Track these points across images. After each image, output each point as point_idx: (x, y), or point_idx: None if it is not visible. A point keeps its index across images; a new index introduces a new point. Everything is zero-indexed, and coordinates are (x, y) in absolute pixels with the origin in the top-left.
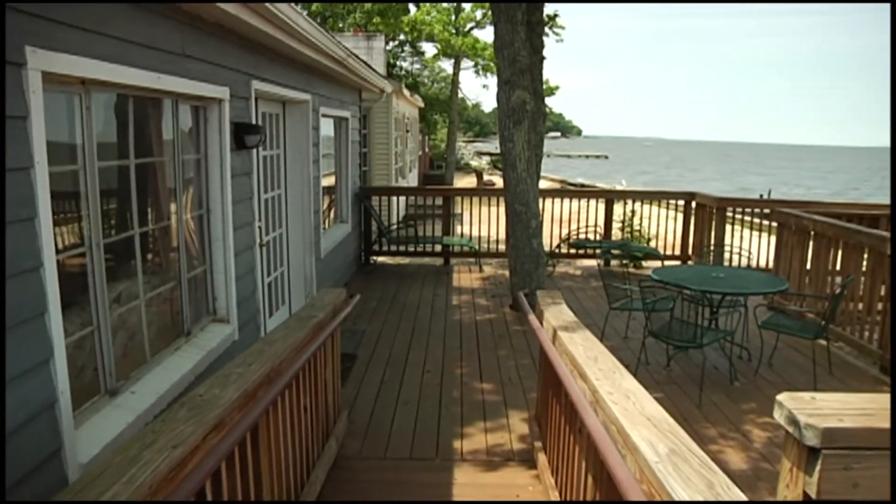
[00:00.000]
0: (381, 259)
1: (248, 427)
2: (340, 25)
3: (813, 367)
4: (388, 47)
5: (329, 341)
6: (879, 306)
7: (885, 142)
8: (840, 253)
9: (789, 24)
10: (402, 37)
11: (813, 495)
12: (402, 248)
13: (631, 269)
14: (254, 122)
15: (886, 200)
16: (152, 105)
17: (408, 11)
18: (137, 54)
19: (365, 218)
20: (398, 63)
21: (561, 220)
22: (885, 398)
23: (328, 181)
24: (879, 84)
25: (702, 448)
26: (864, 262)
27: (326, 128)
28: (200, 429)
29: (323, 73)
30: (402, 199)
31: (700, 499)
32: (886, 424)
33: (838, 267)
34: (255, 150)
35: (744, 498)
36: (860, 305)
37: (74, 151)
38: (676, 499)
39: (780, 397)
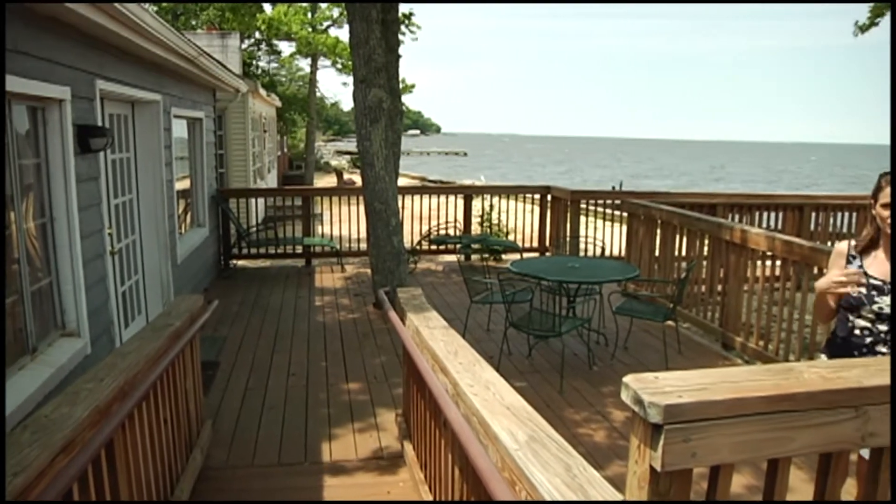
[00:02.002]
0: (241, 263)
1: (102, 445)
2: (193, 23)
3: (664, 347)
4: (244, 46)
5: (188, 350)
6: (719, 288)
7: (723, 136)
8: (685, 240)
9: (639, 25)
10: (258, 35)
11: (658, 468)
12: (262, 250)
13: (491, 263)
14: (100, 123)
15: (719, 189)
16: None
17: (262, 9)
18: None
19: (223, 221)
20: (255, 62)
21: (421, 217)
22: (718, 372)
23: (183, 184)
24: (713, 82)
25: (566, 431)
26: (706, 248)
27: (179, 129)
28: (47, 452)
29: (174, 72)
30: (262, 200)
31: (559, 481)
32: (719, 397)
33: (684, 253)
34: (102, 154)
35: (598, 476)
36: (703, 288)
37: None
38: (536, 483)
39: (626, 379)
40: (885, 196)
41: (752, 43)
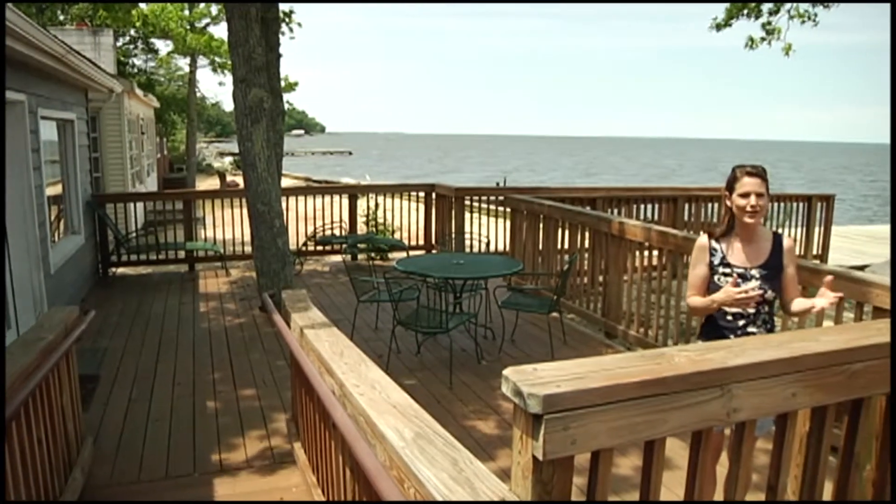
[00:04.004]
0: (121, 270)
1: None
2: (62, 17)
3: (550, 339)
4: (119, 43)
5: (63, 364)
6: (601, 279)
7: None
8: (567, 233)
9: (518, 25)
10: (133, 32)
11: (540, 457)
12: (143, 257)
13: (377, 262)
14: None
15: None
16: None
17: (136, 5)
18: None
19: (100, 227)
20: (131, 60)
21: (306, 218)
22: (594, 361)
23: (55, 190)
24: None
25: (456, 425)
26: (587, 240)
27: (49, 131)
28: None
29: (40, 70)
30: (141, 205)
31: (445, 476)
32: (595, 384)
33: (566, 246)
34: None
35: (484, 469)
36: (585, 279)
37: None
38: (423, 479)
39: (506, 372)
40: (741, 186)
41: (630, 42)
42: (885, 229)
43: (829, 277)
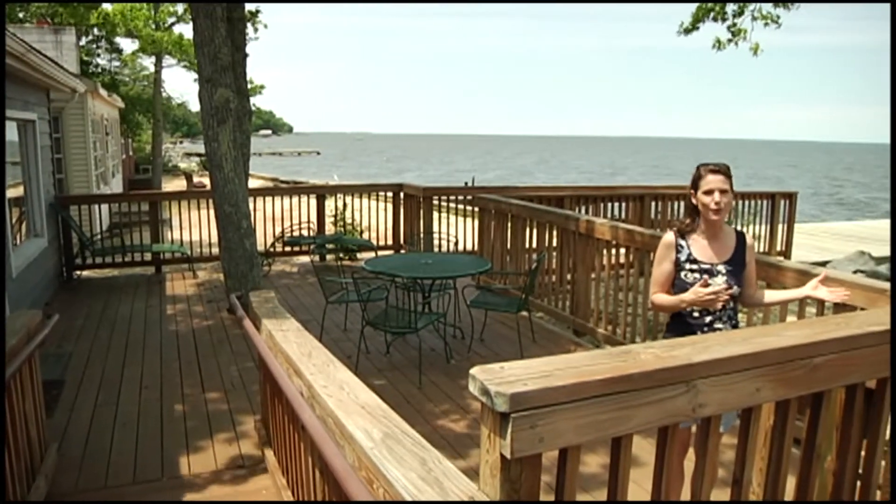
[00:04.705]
0: (86, 273)
1: None
2: (21, 15)
3: (518, 337)
4: (82, 42)
5: (26, 369)
6: (569, 277)
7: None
8: (535, 232)
9: (479, 25)
10: (96, 31)
11: (508, 456)
12: (108, 259)
13: (346, 262)
14: None
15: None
16: None
17: (100, 4)
18: None
19: (64, 230)
20: (94, 60)
21: (274, 219)
22: (561, 359)
23: (16, 192)
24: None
25: (426, 425)
26: (555, 239)
27: (9, 132)
28: None
29: None
30: (106, 207)
31: (414, 475)
32: (561, 382)
33: (534, 245)
34: None
35: (453, 468)
36: (553, 278)
37: None
38: (392, 479)
39: (473, 371)
40: (706, 184)
41: (592, 43)
42: (848, 226)
43: (824, 273)
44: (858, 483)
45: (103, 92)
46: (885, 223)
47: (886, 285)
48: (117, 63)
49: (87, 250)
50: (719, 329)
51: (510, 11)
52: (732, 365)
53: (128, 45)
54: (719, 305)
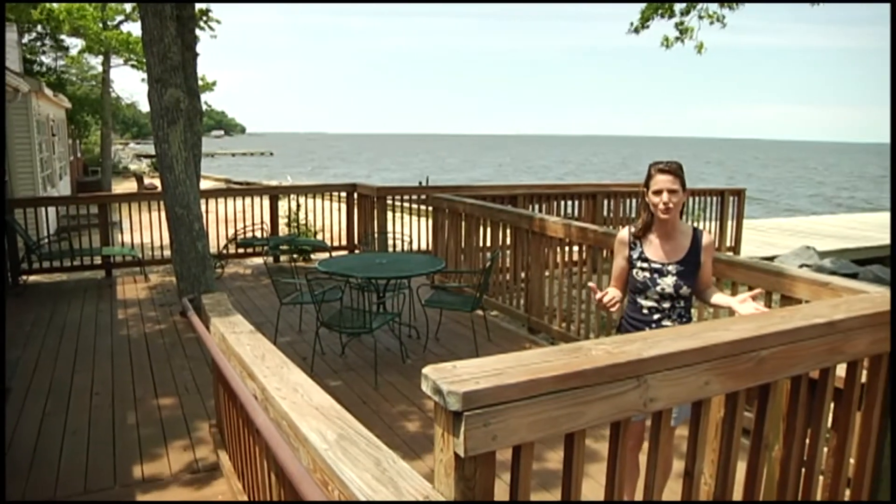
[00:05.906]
0: (33, 278)
1: None
2: None
3: (474, 336)
4: (25, 40)
5: None
6: (523, 275)
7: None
8: (489, 231)
9: (433, 24)
10: (40, 29)
11: (462, 454)
12: (56, 263)
13: (300, 263)
14: None
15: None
16: None
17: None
18: None
19: (8, 234)
20: (39, 58)
21: (227, 220)
22: (514, 356)
23: None
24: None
25: (382, 425)
26: (508, 238)
27: None
28: None
29: None
30: (53, 209)
31: (369, 476)
32: (514, 380)
33: (488, 243)
34: None
35: (407, 468)
36: (507, 276)
37: None
38: (346, 480)
39: (426, 370)
40: (655, 184)
41: (547, 42)
42: (794, 221)
43: (757, 291)
44: (803, 470)
45: (48, 92)
46: (827, 218)
47: (829, 278)
48: (63, 62)
49: (34, 254)
50: (667, 326)
51: (463, 12)
52: (682, 359)
53: (75, 43)
54: (665, 303)
